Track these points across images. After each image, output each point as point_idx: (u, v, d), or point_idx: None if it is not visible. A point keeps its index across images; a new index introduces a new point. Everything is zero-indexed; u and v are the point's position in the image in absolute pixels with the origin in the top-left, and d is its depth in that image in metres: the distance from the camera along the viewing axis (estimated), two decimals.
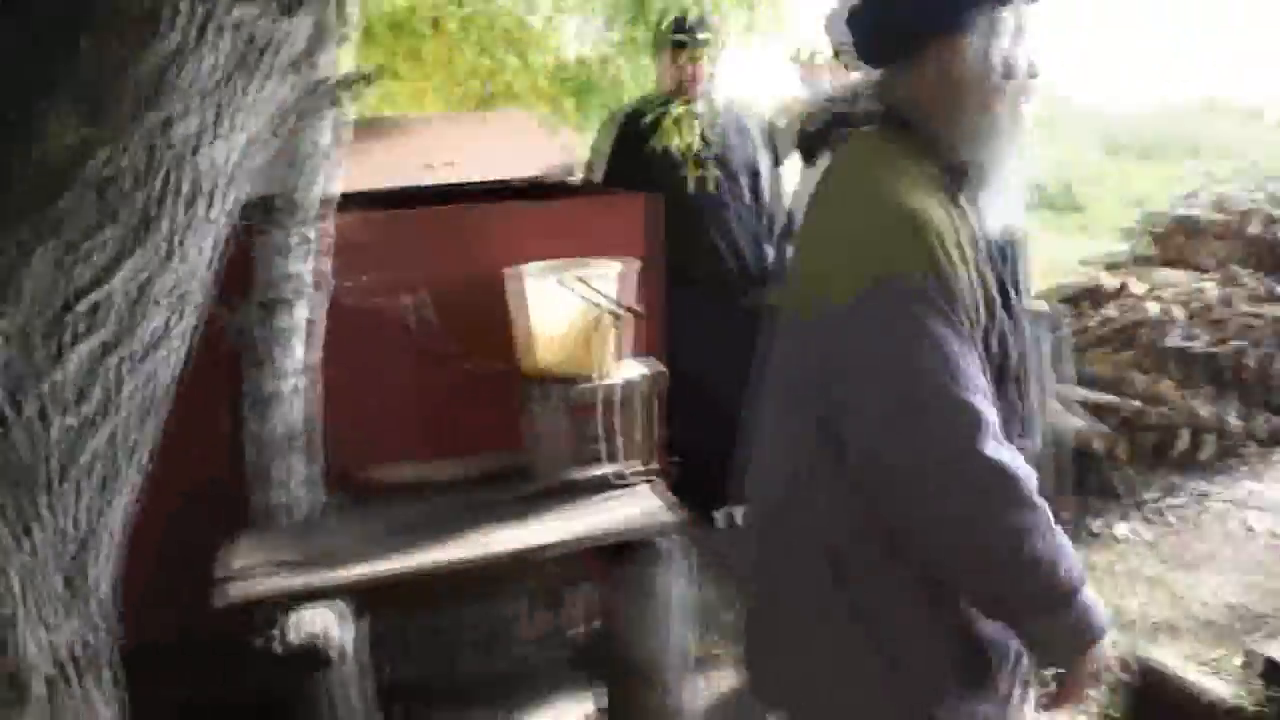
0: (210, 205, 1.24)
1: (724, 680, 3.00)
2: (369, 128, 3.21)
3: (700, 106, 3.69)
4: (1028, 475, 1.39)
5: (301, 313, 2.34)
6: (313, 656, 1.95)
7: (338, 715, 2.04)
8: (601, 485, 2.60)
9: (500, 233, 2.67)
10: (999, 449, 1.36)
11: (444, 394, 2.57)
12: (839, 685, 1.55)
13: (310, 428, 2.34)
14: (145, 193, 1.14)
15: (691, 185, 3.54)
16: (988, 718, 1.55)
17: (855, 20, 1.60)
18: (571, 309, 2.53)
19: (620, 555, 2.46)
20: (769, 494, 1.63)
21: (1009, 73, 1.51)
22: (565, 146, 3.68)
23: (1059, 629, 1.43)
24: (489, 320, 2.59)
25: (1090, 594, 1.45)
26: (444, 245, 2.65)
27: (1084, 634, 1.44)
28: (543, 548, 2.37)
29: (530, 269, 2.56)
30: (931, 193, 1.47)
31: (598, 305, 2.53)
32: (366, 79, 2.23)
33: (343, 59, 2.44)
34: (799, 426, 1.54)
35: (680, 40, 3.73)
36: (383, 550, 2.26)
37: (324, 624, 1.99)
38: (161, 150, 1.14)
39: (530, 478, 2.59)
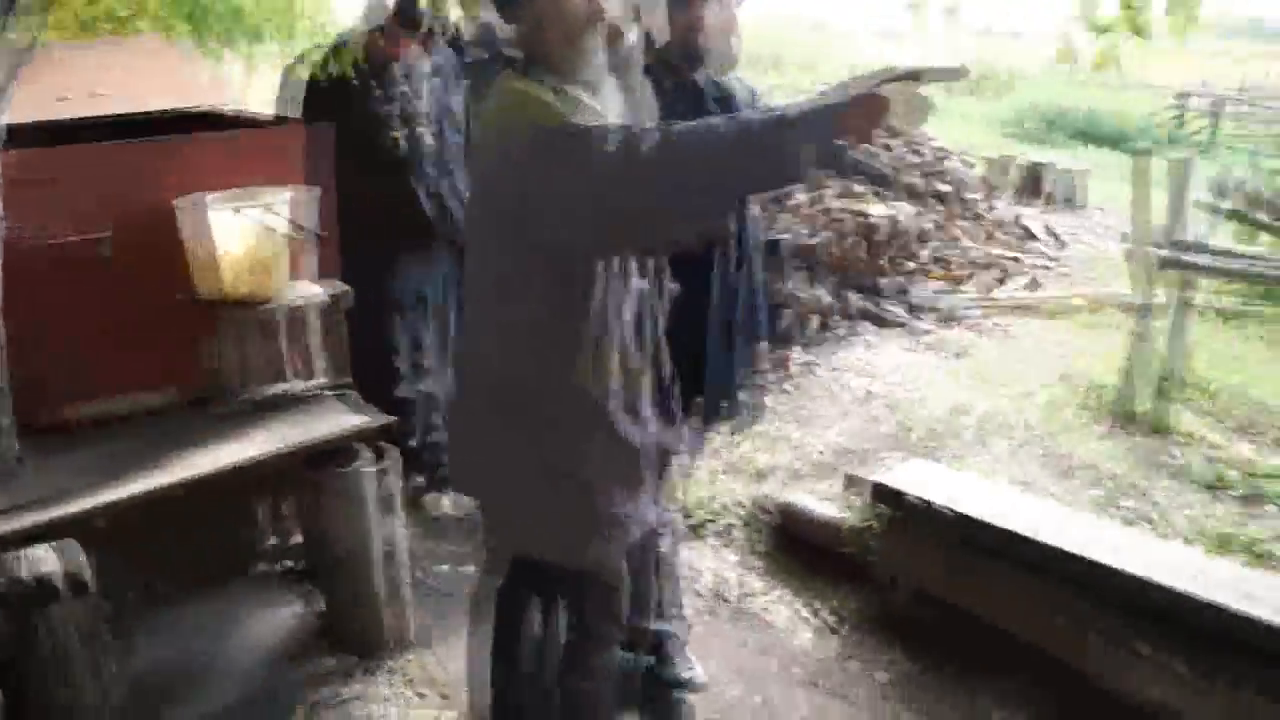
0: None
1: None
2: None
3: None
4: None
5: None
6: (42, 595, 1.98)
7: (69, 650, 2.08)
8: (295, 400, 2.73)
9: (173, 165, 2.66)
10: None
11: (133, 327, 2.56)
12: (529, 496, 1.94)
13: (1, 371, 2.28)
14: None
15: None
16: (634, 509, 2.00)
17: None
18: (251, 233, 2.61)
19: (323, 462, 2.62)
20: (472, 357, 2.02)
21: (589, 13, 1.81)
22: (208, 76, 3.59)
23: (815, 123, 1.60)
24: (172, 251, 2.61)
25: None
26: (119, 180, 2.60)
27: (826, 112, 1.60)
28: (247, 463, 2.48)
29: (207, 197, 2.60)
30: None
31: (276, 228, 2.63)
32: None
33: None
34: (497, 291, 1.89)
35: None
36: (93, 485, 2.27)
37: (48, 562, 2.02)
38: None
39: (226, 399, 2.67)
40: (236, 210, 2.57)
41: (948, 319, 5.85)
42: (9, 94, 2.19)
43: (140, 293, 2.56)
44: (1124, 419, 4.53)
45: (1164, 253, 4.58)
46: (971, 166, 8.25)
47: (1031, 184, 10.03)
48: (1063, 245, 7.89)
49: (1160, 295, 4.76)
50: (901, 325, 5.69)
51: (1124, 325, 5.09)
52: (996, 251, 7.00)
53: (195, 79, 3.43)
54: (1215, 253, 4.70)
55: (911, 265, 6.22)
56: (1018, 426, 4.40)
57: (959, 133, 12.47)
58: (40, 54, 3.35)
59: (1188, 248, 4.61)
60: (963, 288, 6.31)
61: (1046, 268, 7.16)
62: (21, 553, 2.01)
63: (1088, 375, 4.97)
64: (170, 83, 3.36)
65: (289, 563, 2.89)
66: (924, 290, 6.07)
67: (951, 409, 4.53)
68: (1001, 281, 6.61)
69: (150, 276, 2.58)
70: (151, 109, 3.11)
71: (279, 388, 2.74)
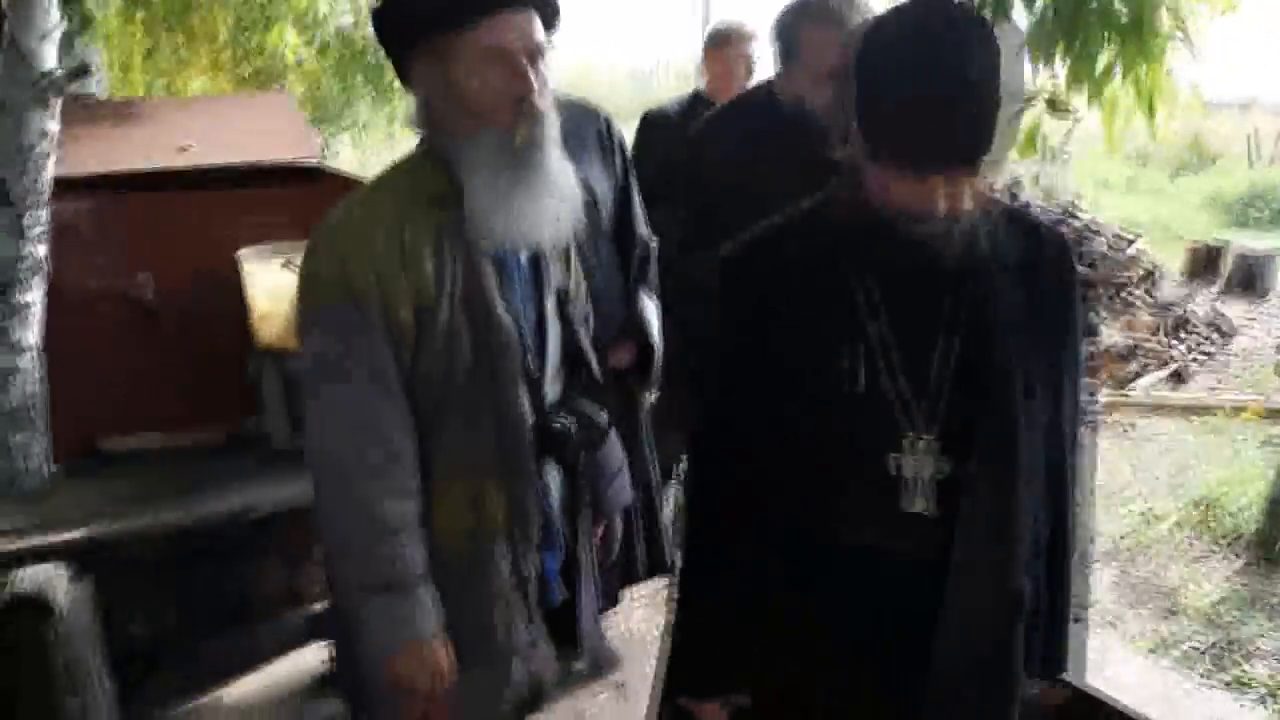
0: None
1: None
2: (117, 110, 3.32)
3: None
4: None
5: (36, 291, 2.48)
6: (32, 609, 2.13)
7: (63, 668, 2.21)
8: None
9: (231, 216, 2.85)
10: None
11: (181, 368, 2.75)
12: None
13: (40, 402, 2.50)
14: None
15: None
16: None
17: None
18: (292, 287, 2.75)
19: None
20: None
21: (472, 96, 1.50)
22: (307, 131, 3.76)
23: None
24: (225, 299, 2.78)
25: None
26: (179, 228, 2.81)
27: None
28: (277, 505, 2.58)
29: (255, 251, 2.77)
30: (408, 201, 1.54)
31: None
32: (84, 71, 2.43)
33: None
34: None
35: (722, 34, 3.54)
36: (110, 514, 2.42)
37: (42, 580, 2.18)
38: None
39: (265, 444, 2.80)
40: (283, 265, 2.73)
41: None
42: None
43: (195, 336, 2.75)
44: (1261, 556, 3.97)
45: None
46: (1130, 243, 7.79)
47: (1207, 266, 9.35)
48: (1226, 338, 7.34)
49: None
50: None
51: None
52: (1139, 339, 6.60)
53: (302, 132, 3.61)
54: None
55: None
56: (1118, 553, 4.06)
57: (1155, 209, 11.82)
58: (157, 108, 3.65)
59: None
60: (1090, 380, 5.95)
61: (1198, 360, 6.69)
62: (17, 570, 2.17)
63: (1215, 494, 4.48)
64: (275, 137, 3.56)
65: (315, 608, 2.98)
66: None
67: None
68: (1139, 375, 6.21)
69: (197, 322, 2.75)
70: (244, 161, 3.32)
71: None
